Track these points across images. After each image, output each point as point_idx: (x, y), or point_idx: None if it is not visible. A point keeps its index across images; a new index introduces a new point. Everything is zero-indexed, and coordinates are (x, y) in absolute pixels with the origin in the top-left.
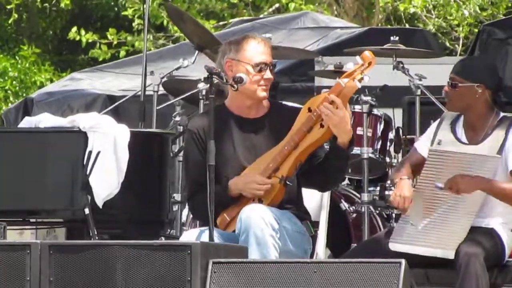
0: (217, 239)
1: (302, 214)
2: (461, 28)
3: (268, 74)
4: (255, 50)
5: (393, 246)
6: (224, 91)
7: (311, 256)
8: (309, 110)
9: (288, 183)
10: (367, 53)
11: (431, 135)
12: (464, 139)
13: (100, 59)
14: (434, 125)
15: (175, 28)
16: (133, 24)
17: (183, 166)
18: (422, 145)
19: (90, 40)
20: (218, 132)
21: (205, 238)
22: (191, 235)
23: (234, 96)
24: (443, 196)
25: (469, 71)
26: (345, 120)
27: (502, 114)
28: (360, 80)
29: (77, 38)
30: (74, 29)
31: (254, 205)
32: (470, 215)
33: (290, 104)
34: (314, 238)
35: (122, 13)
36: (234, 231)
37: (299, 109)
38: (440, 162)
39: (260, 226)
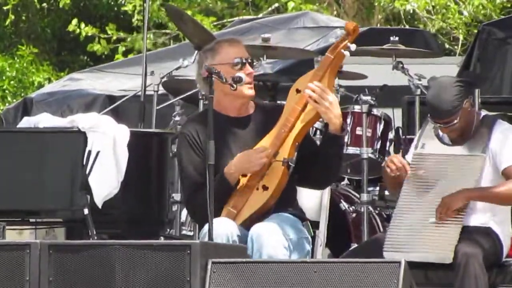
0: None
1: (302, 214)
2: (459, 30)
3: (249, 69)
4: (230, 51)
5: (387, 254)
6: None
7: (310, 256)
8: (297, 91)
9: (290, 164)
10: (349, 23)
11: (416, 141)
12: (447, 140)
13: (99, 53)
14: (418, 131)
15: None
16: (133, 20)
17: (178, 171)
18: (409, 156)
19: (89, 34)
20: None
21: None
22: (224, 226)
23: (222, 98)
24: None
25: (448, 110)
26: (334, 104)
27: (483, 113)
28: (347, 49)
29: (77, 31)
30: (75, 21)
31: (264, 224)
32: (460, 217)
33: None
34: (313, 238)
35: (121, 9)
36: (242, 225)
37: (282, 106)
38: (424, 165)
39: (273, 246)
